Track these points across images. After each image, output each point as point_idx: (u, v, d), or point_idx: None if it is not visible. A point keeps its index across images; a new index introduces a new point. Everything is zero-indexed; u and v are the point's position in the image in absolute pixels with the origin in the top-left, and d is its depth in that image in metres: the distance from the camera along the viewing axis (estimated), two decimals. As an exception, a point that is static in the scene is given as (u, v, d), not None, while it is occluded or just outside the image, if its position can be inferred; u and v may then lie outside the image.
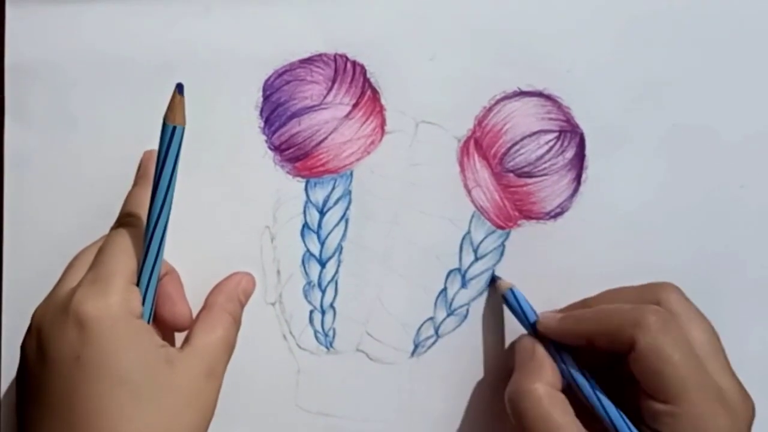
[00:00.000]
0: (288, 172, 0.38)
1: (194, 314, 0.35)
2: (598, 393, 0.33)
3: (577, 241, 0.38)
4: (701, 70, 0.38)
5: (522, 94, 0.38)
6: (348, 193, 0.38)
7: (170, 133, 0.30)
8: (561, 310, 0.37)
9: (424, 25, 0.38)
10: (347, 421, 0.38)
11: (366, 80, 0.38)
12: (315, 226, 0.38)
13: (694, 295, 0.37)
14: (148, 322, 0.32)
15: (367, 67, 0.38)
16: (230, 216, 0.37)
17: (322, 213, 0.38)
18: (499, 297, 0.37)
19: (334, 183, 0.38)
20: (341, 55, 0.38)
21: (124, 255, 0.32)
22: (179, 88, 0.30)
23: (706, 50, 0.38)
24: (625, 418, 0.32)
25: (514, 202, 0.38)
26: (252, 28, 0.38)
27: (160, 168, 0.31)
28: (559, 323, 0.35)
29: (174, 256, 0.36)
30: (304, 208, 0.38)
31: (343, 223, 0.38)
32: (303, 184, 0.38)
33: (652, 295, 0.34)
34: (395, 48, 0.38)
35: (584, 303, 0.36)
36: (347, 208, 0.38)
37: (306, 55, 0.38)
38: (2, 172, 0.39)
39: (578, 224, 0.38)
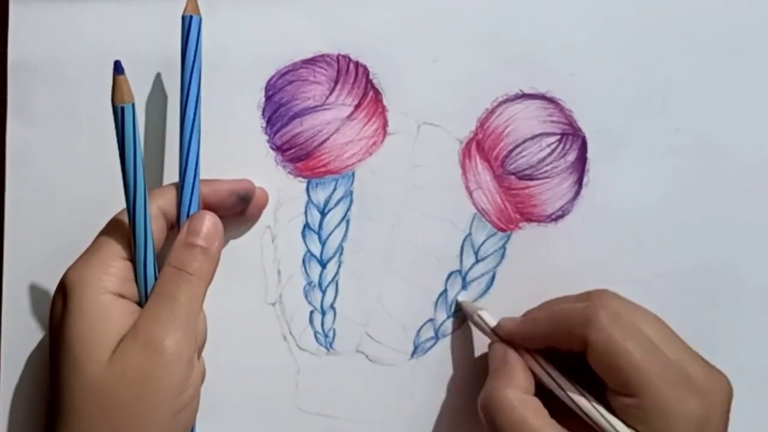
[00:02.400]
0: (289, 173, 0.38)
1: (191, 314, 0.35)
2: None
3: (578, 244, 0.38)
4: (704, 75, 0.38)
5: (524, 96, 0.38)
6: (349, 193, 0.38)
7: (120, 113, 0.30)
8: (521, 315, 0.37)
9: (427, 27, 0.38)
10: (347, 422, 0.38)
11: (368, 81, 0.38)
12: (316, 227, 0.38)
13: (695, 299, 0.38)
14: (146, 295, 0.33)
15: (369, 68, 0.38)
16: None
17: (323, 213, 0.38)
18: (498, 297, 0.38)
19: (336, 184, 0.38)
20: (344, 56, 0.38)
21: (118, 232, 0.33)
22: (117, 67, 0.30)
23: (709, 55, 0.38)
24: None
25: (516, 204, 0.38)
26: (255, 28, 0.38)
27: (122, 149, 0.31)
28: (518, 327, 0.35)
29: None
30: (306, 208, 0.38)
31: (344, 223, 0.38)
32: (304, 185, 0.38)
33: (594, 301, 0.33)
34: (398, 49, 0.38)
35: (537, 309, 0.36)
36: (348, 209, 0.38)
37: (309, 56, 0.38)
38: (4, 170, 0.39)
39: (579, 227, 0.38)
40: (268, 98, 0.38)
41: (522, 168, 0.38)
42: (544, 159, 0.38)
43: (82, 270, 0.32)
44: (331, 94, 0.38)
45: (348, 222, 0.38)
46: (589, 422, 0.32)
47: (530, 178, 0.38)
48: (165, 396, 0.31)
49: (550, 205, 0.38)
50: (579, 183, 0.38)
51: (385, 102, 0.38)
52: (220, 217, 0.35)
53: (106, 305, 0.32)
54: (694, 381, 0.31)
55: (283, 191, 0.38)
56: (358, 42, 0.38)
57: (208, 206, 0.35)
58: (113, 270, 0.32)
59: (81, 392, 0.31)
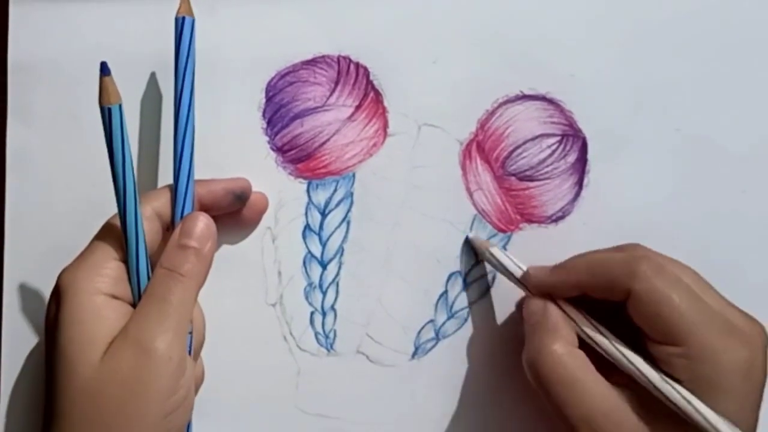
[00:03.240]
0: (290, 174, 0.38)
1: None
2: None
3: (579, 245, 0.37)
4: (704, 76, 0.38)
5: (525, 97, 0.38)
6: (350, 195, 0.38)
7: (108, 114, 0.31)
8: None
9: (427, 27, 0.38)
10: (347, 423, 0.38)
11: (369, 82, 0.38)
12: (316, 228, 0.38)
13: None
14: (139, 296, 0.33)
15: (370, 69, 0.38)
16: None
17: (323, 214, 0.38)
18: (498, 298, 0.38)
19: (336, 185, 0.38)
20: (344, 57, 0.38)
21: (112, 233, 0.33)
22: (104, 69, 0.31)
23: (709, 56, 0.38)
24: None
25: (516, 205, 0.38)
26: (255, 29, 0.38)
27: (111, 150, 0.31)
28: (551, 275, 0.34)
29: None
30: (306, 209, 0.38)
31: (344, 224, 0.38)
32: (305, 186, 0.38)
33: (633, 252, 0.33)
34: (398, 50, 0.38)
35: (571, 259, 0.35)
36: (349, 210, 0.38)
37: (309, 57, 0.38)
38: (4, 171, 0.39)
39: (579, 228, 0.38)
40: (269, 99, 0.38)
41: (522, 169, 0.38)
42: (544, 160, 0.38)
43: (75, 271, 0.32)
44: (331, 95, 0.38)
45: (348, 223, 0.38)
46: (632, 373, 0.31)
47: (531, 179, 0.38)
48: (155, 397, 0.31)
49: (551, 206, 0.38)
50: (579, 184, 0.38)
51: (385, 103, 0.38)
52: (218, 216, 0.35)
53: (99, 306, 0.32)
54: (737, 328, 0.30)
55: (283, 192, 0.38)
56: (358, 43, 0.38)
57: (204, 206, 0.35)
58: (106, 271, 0.32)
59: (72, 393, 0.31)
